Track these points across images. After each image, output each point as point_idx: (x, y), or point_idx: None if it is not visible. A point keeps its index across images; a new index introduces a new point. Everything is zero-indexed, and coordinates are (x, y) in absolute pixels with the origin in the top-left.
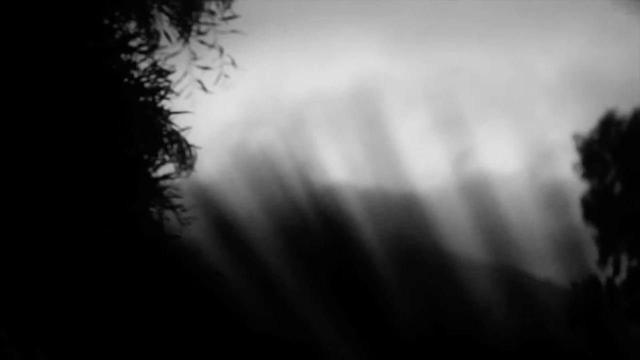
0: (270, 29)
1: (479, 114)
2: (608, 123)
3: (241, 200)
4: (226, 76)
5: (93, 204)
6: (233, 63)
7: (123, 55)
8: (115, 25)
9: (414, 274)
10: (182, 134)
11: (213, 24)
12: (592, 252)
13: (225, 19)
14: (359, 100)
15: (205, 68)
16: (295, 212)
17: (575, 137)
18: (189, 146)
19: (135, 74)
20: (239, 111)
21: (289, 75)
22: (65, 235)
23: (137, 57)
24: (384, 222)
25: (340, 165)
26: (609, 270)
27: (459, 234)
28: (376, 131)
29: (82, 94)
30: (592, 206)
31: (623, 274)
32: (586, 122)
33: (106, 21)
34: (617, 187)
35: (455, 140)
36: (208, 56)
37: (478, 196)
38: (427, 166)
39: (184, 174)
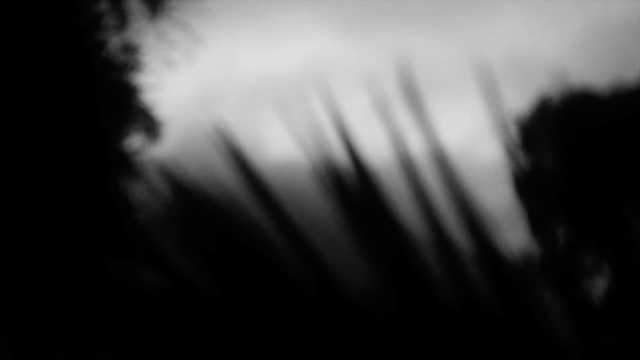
0: (226, 10)
1: (422, 94)
2: (544, 103)
3: (195, 172)
4: (190, 54)
5: (67, 178)
6: (198, 41)
7: (94, 33)
8: (87, 3)
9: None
10: (149, 109)
11: (180, 3)
12: (524, 227)
13: None
14: (309, 80)
15: (171, 45)
16: (246, 184)
17: (513, 116)
18: (154, 121)
19: (106, 51)
20: (195, 87)
21: (243, 54)
22: (41, 211)
23: (108, 35)
24: (331, 196)
25: (289, 143)
26: (542, 244)
27: (399, 208)
28: (324, 110)
29: (54, 72)
30: (526, 183)
31: (555, 248)
32: (523, 103)
33: None
34: (550, 165)
35: (397, 120)
36: (173, 34)
37: (417, 173)
38: (371, 145)
39: (149, 147)
